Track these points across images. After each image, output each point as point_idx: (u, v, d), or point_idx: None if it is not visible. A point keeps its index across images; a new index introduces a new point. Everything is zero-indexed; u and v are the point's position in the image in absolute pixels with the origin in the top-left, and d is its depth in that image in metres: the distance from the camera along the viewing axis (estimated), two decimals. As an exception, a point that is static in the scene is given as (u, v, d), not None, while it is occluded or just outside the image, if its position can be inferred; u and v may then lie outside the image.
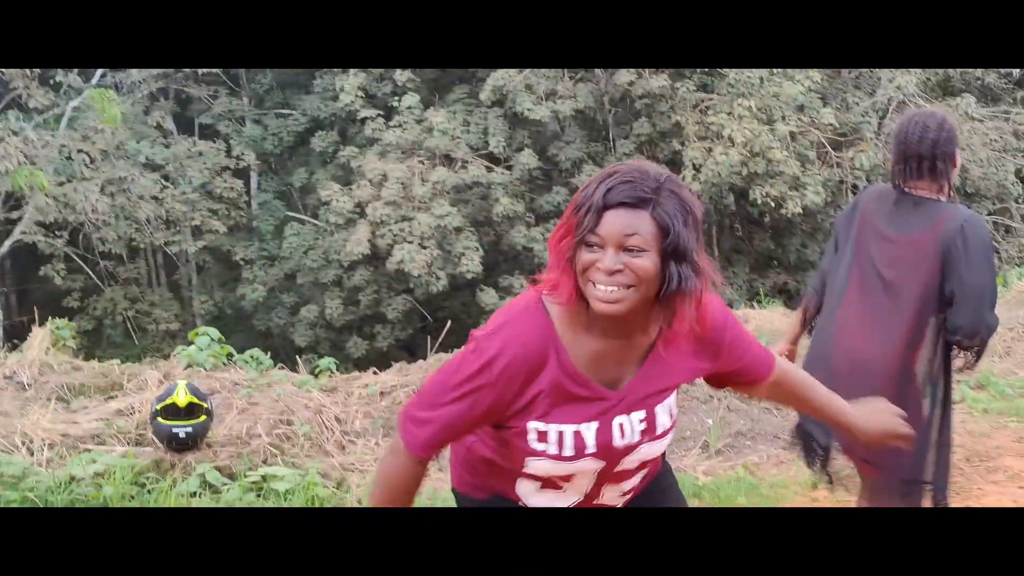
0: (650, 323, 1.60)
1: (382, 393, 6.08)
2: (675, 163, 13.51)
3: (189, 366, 6.00)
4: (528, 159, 14.41)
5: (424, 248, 13.41)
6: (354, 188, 14.26)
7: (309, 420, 5.57)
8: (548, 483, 1.70)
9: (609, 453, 1.64)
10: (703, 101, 13.57)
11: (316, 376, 6.62)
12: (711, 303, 1.65)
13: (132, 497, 3.93)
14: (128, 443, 4.72)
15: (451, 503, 1.84)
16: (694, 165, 12.78)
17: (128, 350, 16.21)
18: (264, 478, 4.49)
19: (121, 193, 14.32)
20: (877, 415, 1.89)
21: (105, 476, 4.00)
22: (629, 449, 1.66)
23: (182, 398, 4.56)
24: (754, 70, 12.48)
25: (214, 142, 16.63)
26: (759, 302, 10.50)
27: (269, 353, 6.87)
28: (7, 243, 14.86)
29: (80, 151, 13.89)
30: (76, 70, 14.74)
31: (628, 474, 1.72)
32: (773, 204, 12.70)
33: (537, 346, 1.55)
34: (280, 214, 17.29)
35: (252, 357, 6.37)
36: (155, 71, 16.01)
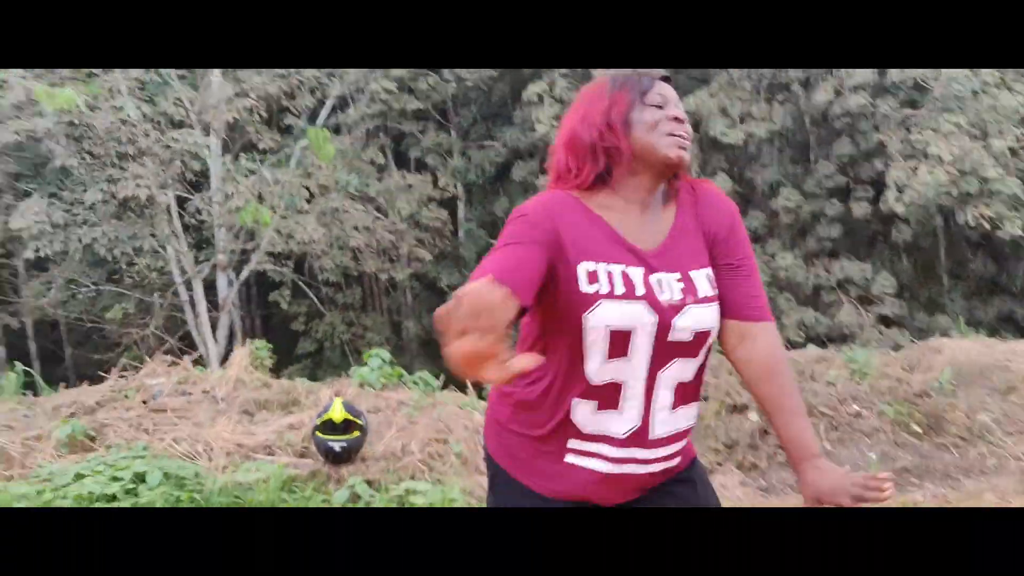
0: (660, 193, 1.82)
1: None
2: (879, 183, 12.82)
3: (361, 385, 6.47)
4: (723, 182, 14.16)
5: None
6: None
7: (465, 440, 5.84)
8: (605, 399, 1.74)
9: (658, 306, 1.71)
10: (908, 118, 12.80)
11: (483, 398, 6.91)
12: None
13: (284, 501, 4.35)
14: (294, 455, 5.20)
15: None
16: (897, 186, 12.07)
17: (345, 370, 17.41)
18: (407, 492, 4.79)
19: (336, 224, 15.50)
20: (834, 473, 1.66)
21: (261, 484, 4.45)
22: (675, 310, 1.72)
23: (338, 414, 4.97)
24: (964, 82, 11.66)
25: (422, 174, 17.63)
26: (976, 330, 9.78)
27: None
28: (245, 271, 16.46)
29: (303, 186, 15.19)
30: (303, 115, 16.20)
31: (684, 358, 1.75)
32: (988, 226, 11.75)
33: (562, 196, 1.76)
34: (483, 242, 17.99)
35: (421, 379, 6.76)
36: (371, 110, 17.25)
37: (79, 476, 4.32)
